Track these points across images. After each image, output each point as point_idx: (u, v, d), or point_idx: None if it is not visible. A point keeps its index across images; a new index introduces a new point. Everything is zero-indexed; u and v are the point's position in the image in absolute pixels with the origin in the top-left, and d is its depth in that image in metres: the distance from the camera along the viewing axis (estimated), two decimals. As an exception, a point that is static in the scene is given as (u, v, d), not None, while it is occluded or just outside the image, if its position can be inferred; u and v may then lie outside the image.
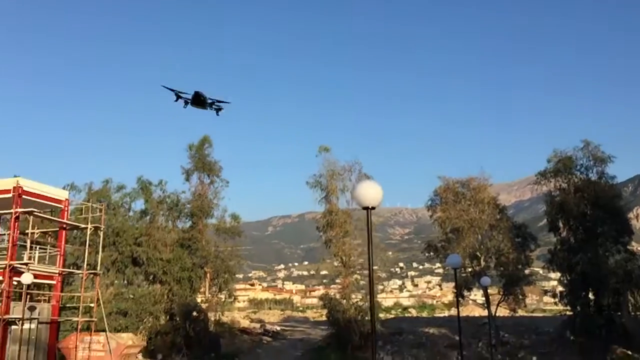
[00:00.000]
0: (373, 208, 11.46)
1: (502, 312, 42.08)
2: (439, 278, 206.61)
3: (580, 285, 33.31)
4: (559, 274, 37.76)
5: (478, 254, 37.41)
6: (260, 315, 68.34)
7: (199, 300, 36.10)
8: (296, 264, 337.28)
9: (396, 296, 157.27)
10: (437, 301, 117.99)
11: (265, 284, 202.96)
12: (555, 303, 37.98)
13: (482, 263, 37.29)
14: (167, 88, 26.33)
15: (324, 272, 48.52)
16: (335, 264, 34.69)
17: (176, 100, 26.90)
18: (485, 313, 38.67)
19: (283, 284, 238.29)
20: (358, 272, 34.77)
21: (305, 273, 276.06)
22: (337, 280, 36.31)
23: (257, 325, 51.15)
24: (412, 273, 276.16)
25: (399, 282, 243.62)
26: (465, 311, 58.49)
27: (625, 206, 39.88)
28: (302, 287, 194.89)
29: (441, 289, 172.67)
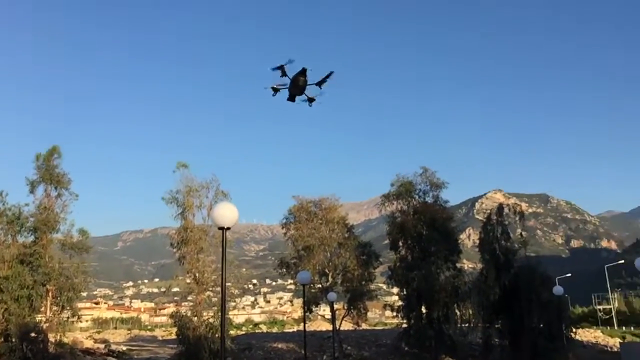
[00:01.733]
0: (228, 228, 12.30)
1: (347, 325, 44.62)
2: (290, 294, 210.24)
3: (415, 299, 36.43)
4: (398, 289, 40.87)
5: (327, 270, 39.41)
6: (105, 335, 64.93)
7: (39, 319, 33.78)
8: (146, 281, 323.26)
9: (248, 312, 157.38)
10: (287, 317, 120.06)
11: (111, 302, 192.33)
12: (394, 316, 40.97)
13: (330, 279, 39.35)
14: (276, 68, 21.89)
15: (175, 290, 47.55)
16: (188, 280, 34.49)
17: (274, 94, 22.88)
18: (331, 327, 40.77)
19: (131, 302, 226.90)
20: (211, 289, 34.89)
21: (155, 290, 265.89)
22: (189, 298, 36.02)
23: (102, 346, 48.76)
24: (265, 289, 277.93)
25: (252, 299, 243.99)
26: (313, 326, 60.78)
27: (457, 227, 44.19)
28: (152, 304, 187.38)
29: (292, 305, 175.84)
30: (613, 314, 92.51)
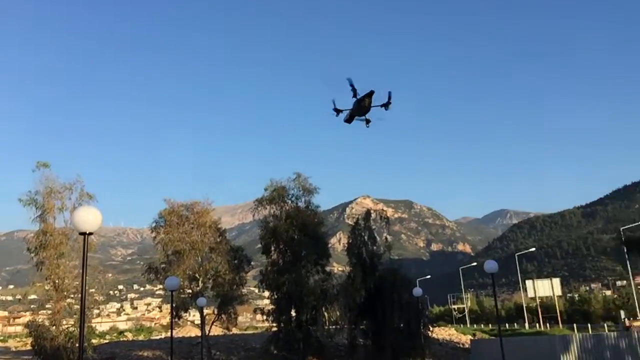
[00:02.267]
0: (91, 233, 11.87)
1: (217, 331, 44.24)
2: (159, 300, 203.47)
3: (285, 303, 37.09)
4: (269, 293, 41.27)
5: (197, 275, 38.80)
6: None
7: None
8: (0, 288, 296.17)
9: (113, 320, 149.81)
10: (155, 323, 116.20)
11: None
12: (265, 320, 41.30)
13: (201, 284, 38.79)
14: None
15: (32, 297, 44.19)
16: (47, 287, 32.26)
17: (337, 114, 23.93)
18: (200, 333, 40.20)
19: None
20: (72, 296, 32.92)
21: (10, 298, 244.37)
22: (48, 306, 33.70)
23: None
24: (133, 295, 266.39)
25: (118, 305, 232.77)
26: (182, 332, 59.45)
27: (327, 232, 45.51)
28: (6, 313, 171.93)
29: (161, 311, 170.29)
30: (466, 312, 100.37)
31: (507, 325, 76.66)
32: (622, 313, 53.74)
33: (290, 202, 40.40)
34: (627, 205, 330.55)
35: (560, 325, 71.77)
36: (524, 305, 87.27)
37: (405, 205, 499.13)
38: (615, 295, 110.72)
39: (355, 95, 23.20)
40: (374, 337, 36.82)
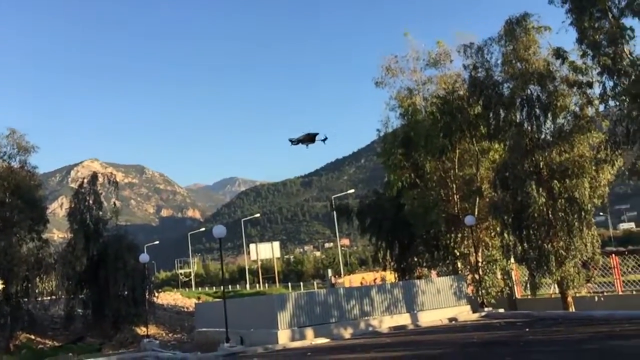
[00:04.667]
0: None
1: None
2: None
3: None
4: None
5: None
6: None
7: None
8: None
9: None
10: None
11: None
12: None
13: None
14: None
15: None
16: None
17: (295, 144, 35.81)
18: None
19: None
20: None
21: None
22: None
23: None
24: None
25: None
26: None
27: (48, 195, 41.62)
28: None
29: None
30: (192, 276, 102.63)
31: (230, 287, 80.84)
32: (329, 271, 61.13)
33: (1, 160, 35.79)
34: (337, 176, 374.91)
35: (278, 284, 78.55)
36: (247, 268, 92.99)
37: (137, 170, 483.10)
38: (324, 256, 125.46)
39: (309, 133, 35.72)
40: (95, 306, 35.29)
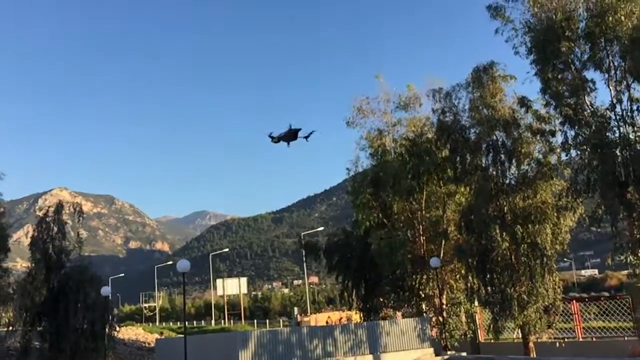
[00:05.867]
0: None
1: None
2: None
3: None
4: None
5: None
6: None
7: None
8: None
9: None
10: None
11: None
12: None
13: None
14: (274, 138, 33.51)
15: None
16: None
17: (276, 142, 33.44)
18: None
19: None
20: None
21: None
22: None
23: None
24: None
25: None
26: None
27: (13, 223, 40.70)
28: None
29: None
30: (157, 310, 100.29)
31: (194, 322, 79.10)
32: (295, 309, 60.42)
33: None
34: (309, 213, 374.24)
35: (243, 321, 77.20)
36: (213, 303, 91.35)
37: (106, 200, 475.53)
38: (292, 293, 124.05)
39: (291, 128, 33.06)
40: (53, 339, 34.10)
